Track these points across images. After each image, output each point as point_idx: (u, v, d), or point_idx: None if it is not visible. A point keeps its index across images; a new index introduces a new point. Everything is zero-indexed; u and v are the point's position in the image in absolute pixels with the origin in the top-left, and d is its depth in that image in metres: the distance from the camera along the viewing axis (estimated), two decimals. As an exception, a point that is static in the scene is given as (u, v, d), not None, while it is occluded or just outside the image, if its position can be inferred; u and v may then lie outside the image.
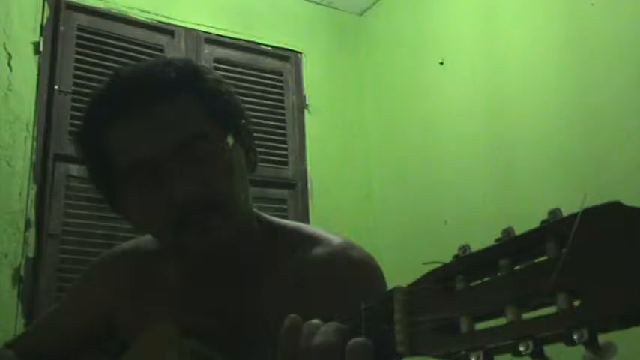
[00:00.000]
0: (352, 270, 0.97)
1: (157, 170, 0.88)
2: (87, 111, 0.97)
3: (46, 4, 2.98)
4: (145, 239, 1.09)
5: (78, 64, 2.97)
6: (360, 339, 0.62)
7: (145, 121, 0.90)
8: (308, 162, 3.51)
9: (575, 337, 0.43)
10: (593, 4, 2.63)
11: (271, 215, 1.07)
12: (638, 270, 0.41)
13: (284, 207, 3.36)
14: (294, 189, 3.44)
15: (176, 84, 0.92)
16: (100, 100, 0.95)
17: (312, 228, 1.08)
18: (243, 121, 0.99)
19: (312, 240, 1.01)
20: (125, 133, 0.90)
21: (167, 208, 0.88)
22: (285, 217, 3.19)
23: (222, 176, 0.91)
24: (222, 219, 0.89)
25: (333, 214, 3.40)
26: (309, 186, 3.47)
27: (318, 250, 0.99)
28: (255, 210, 1.02)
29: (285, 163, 3.44)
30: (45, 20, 2.96)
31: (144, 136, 0.89)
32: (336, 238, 1.01)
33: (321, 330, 0.66)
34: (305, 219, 3.34)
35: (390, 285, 0.63)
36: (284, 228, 1.04)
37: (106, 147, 0.92)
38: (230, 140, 0.93)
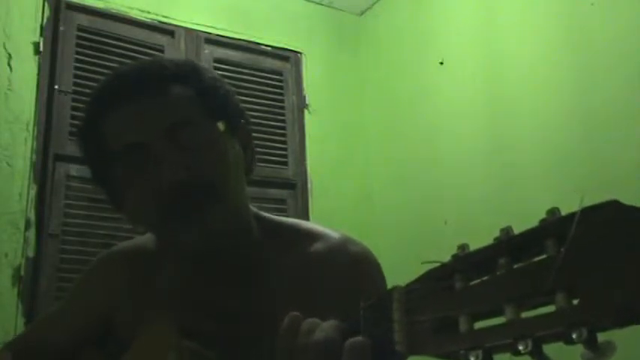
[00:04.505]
0: (352, 265, 0.97)
1: (147, 153, 0.88)
2: (87, 104, 0.99)
3: (46, 4, 2.98)
4: (145, 239, 1.09)
5: (78, 64, 2.97)
6: (359, 338, 0.62)
7: (136, 105, 0.91)
8: (308, 162, 3.51)
9: (574, 336, 0.43)
10: (593, 4, 2.62)
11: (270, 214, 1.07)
12: (636, 268, 0.41)
13: (284, 207, 3.35)
14: (294, 189, 3.44)
15: (172, 75, 0.93)
16: (99, 92, 0.97)
17: (310, 224, 1.08)
18: (243, 121, 0.99)
19: (311, 236, 1.01)
20: (118, 119, 0.92)
21: (156, 193, 0.88)
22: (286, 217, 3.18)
23: (212, 163, 0.90)
24: (213, 206, 0.88)
25: (333, 214, 3.40)
26: (309, 186, 3.47)
27: (317, 246, 0.99)
28: (253, 208, 1.02)
29: (285, 163, 3.44)
30: (45, 20, 2.96)
31: (134, 121, 0.90)
32: (334, 234, 1.01)
33: (320, 327, 0.66)
34: (305, 219, 3.33)
35: (390, 284, 0.63)
36: (282, 225, 1.04)
37: (101, 135, 0.93)
38: (222, 126, 0.93)
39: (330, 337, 0.64)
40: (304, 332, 0.67)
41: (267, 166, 3.32)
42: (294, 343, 0.67)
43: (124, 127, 0.91)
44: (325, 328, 0.66)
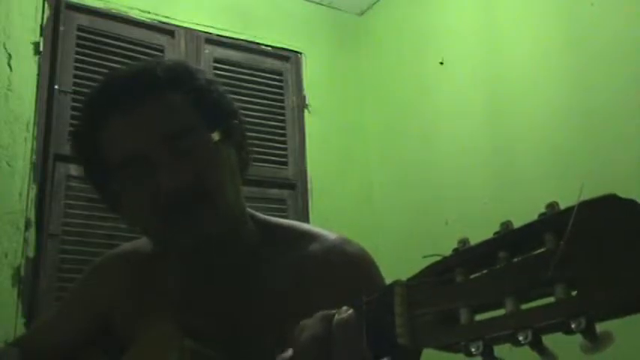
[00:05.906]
0: (349, 265, 0.98)
1: (145, 164, 0.89)
2: (81, 111, 1.00)
3: (46, 4, 2.98)
4: (145, 241, 1.09)
5: (78, 64, 2.97)
6: (342, 316, 0.64)
7: (133, 117, 0.91)
8: (308, 162, 3.51)
9: (573, 326, 0.44)
10: (593, 4, 2.63)
11: (270, 215, 1.08)
12: (633, 260, 0.41)
13: (284, 207, 3.36)
14: (294, 189, 3.44)
15: (165, 82, 0.94)
16: (93, 100, 0.98)
17: (307, 225, 1.10)
18: (235, 121, 1.00)
19: (308, 237, 1.02)
20: (115, 130, 0.92)
21: (155, 199, 0.89)
22: (285, 217, 3.19)
23: (210, 168, 0.92)
24: (209, 211, 0.90)
25: (333, 214, 3.40)
26: (309, 186, 3.47)
27: (314, 247, 1.00)
28: (249, 209, 1.03)
29: (285, 163, 3.44)
30: (45, 20, 2.96)
31: (132, 132, 0.91)
32: (331, 235, 1.02)
33: (308, 324, 0.67)
34: (305, 219, 3.34)
35: (389, 282, 0.64)
36: (279, 226, 1.05)
37: (97, 144, 0.94)
38: (218, 135, 0.94)
39: (317, 329, 0.65)
40: (298, 335, 0.68)
41: (267, 166, 3.32)
42: (296, 346, 0.68)
43: (121, 139, 0.92)
44: (312, 323, 0.67)
